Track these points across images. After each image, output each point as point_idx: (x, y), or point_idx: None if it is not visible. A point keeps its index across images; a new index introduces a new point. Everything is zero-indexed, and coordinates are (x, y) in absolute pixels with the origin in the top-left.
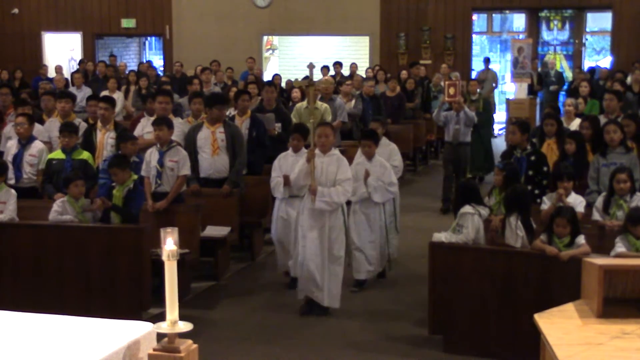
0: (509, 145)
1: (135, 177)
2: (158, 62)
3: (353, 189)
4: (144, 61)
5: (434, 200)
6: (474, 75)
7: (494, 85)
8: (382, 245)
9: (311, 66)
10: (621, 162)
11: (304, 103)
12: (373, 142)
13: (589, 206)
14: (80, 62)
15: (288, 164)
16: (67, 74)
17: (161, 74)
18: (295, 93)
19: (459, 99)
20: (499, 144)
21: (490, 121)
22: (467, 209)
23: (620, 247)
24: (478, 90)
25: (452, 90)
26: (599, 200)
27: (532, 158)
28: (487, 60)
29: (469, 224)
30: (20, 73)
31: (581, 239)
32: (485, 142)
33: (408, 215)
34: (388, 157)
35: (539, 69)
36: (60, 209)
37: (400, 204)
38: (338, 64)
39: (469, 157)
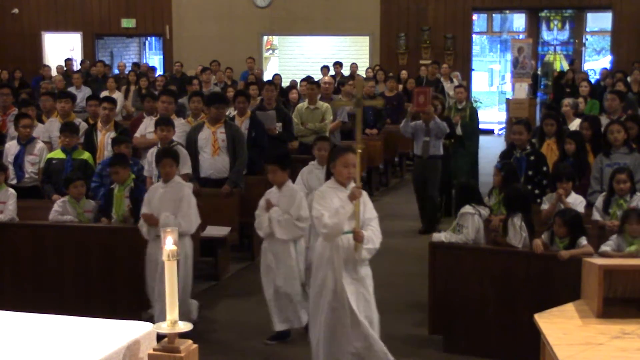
0: (509, 145)
1: (133, 176)
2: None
3: (258, 222)
4: (144, 61)
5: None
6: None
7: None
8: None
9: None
10: (625, 162)
11: (305, 104)
12: (279, 167)
13: (590, 206)
14: (81, 62)
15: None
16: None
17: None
18: (294, 94)
19: (429, 109)
20: (496, 147)
21: (477, 132)
22: (467, 209)
23: (605, 245)
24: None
25: (421, 99)
26: (599, 200)
27: (532, 158)
28: None
29: (470, 224)
30: (20, 73)
31: (583, 240)
32: (471, 156)
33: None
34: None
35: (539, 70)
36: (61, 209)
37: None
38: (338, 64)
39: (440, 172)
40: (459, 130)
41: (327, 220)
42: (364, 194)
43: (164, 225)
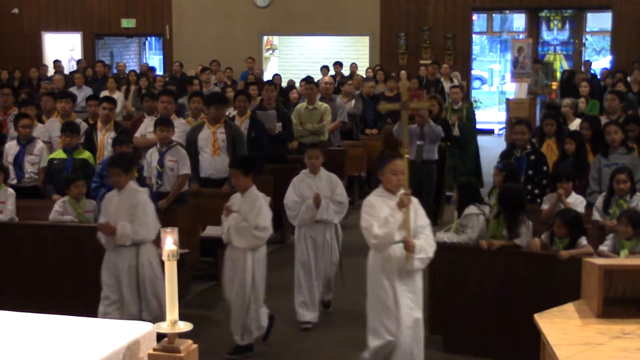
0: (509, 145)
1: (136, 174)
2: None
3: (221, 227)
4: (144, 61)
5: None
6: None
7: None
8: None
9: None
10: (623, 163)
11: (304, 104)
12: (241, 171)
13: (590, 206)
14: (77, 62)
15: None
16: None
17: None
18: (294, 94)
19: (423, 112)
20: (496, 147)
21: (475, 134)
22: (472, 209)
23: (603, 245)
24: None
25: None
26: (599, 201)
27: (532, 158)
28: None
29: (475, 224)
30: (20, 73)
31: (583, 240)
32: (469, 161)
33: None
34: (332, 190)
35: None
36: (62, 209)
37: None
38: (338, 64)
39: (435, 177)
40: (456, 131)
41: (376, 231)
42: (415, 200)
43: (121, 236)
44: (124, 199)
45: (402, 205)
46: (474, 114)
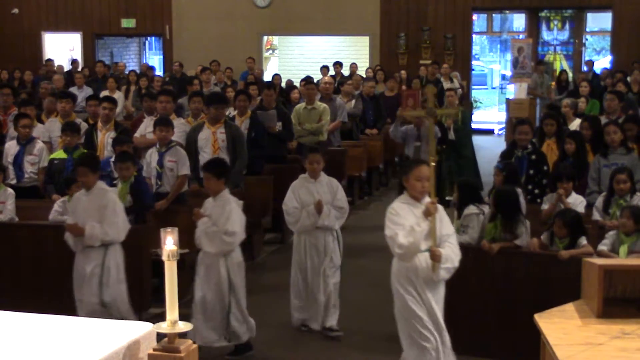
0: (510, 144)
1: (135, 172)
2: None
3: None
4: (144, 61)
5: None
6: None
7: None
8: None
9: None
10: (622, 163)
11: (303, 104)
12: (213, 175)
13: (589, 206)
14: (72, 62)
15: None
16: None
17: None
18: (295, 94)
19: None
20: (496, 147)
21: (470, 137)
22: (472, 209)
23: (602, 245)
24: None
25: (410, 102)
26: (599, 200)
27: (533, 157)
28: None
29: (475, 224)
30: (20, 73)
31: (583, 240)
32: (466, 164)
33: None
34: (333, 195)
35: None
36: (61, 209)
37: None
38: (338, 64)
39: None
40: (451, 135)
41: (401, 240)
42: (440, 208)
43: (90, 237)
44: (92, 199)
45: (429, 213)
46: (470, 117)
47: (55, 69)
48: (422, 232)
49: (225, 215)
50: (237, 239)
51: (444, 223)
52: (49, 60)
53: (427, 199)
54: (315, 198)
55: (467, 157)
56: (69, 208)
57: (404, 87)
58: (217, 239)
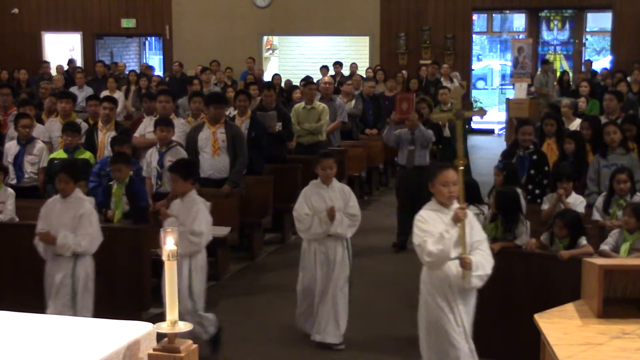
0: (511, 144)
1: (130, 173)
2: (152, 62)
3: None
4: (144, 61)
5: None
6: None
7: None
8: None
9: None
10: (622, 163)
11: (302, 104)
12: (180, 175)
13: (589, 207)
14: (68, 62)
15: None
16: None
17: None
18: (297, 94)
19: (413, 116)
20: (496, 147)
21: (466, 137)
22: (472, 209)
23: (604, 244)
24: (451, 100)
25: (404, 105)
26: (599, 201)
27: (534, 157)
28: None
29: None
30: (18, 73)
31: (583, 240)
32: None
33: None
34: (345, 202)
35: (539, 71)
36: None
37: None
38: (338, 64)
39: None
40: (447, 132)
41: (430, 248)
42: (470, 214)
43: (61, 246)
44: (68, 207)
45: (457, 219)
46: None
47: (51, 71)
48: (451, 239)
49: (192, 216)
50: (203, 239)
51: (475, 229)
52: (45, 62)
53: (455, 205)
54: (327, 205)
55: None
56: (41, 212)
57: (399, 90)
58: (184, 240)
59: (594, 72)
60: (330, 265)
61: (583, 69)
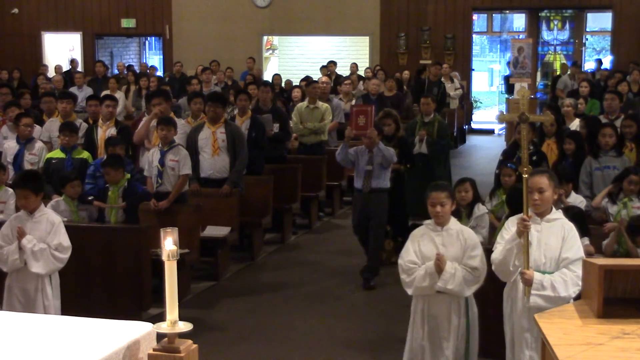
0: (512, 144)
1: (128, 176)
2: (152, 62)
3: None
4: (144, 61)
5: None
6: None
7: None
8: None
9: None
10: (614, 166)
11: (305, 103)
12: (32, 192)
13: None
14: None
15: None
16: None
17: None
18: (296, 93)
19: (371, 132)
20: (496, 147)
21: (447, 155)
22: (482, 209)
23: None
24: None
25: (361, 120)
26: (608, 190)
27: (534, 158)
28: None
29: (486, 224)
30: (19, 73)
31: (585, 240)
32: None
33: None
34: (464, 250)
35: (539, 70)
36: (53, 209)
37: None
38: (332, 63)
39: (387, 209)
40: (423, 148)
41: (494, 255)
42: (569, 227)
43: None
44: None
45: (522, 230)
46: (447, 129)
47: (48, 74)
48: (511, 250)
49: (54, 230)
50: (68, 253)
51: (568, 244)
52: (44, 65)
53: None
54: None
55: (441, 177)
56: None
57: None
58: (48, 258)
59: (600, 69)
60: (442, 330)
61: (593, 67)
